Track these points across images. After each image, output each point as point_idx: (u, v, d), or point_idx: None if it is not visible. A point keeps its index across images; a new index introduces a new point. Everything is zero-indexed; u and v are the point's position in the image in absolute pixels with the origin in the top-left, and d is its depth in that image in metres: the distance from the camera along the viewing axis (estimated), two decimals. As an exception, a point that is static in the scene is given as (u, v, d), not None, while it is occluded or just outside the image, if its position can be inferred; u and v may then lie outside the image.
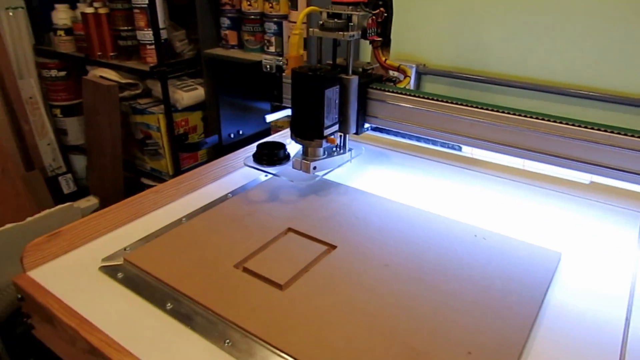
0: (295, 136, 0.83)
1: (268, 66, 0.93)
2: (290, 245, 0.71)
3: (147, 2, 1.61)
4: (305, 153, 0.85)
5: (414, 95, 0.84)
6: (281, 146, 0.86)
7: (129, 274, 0.66)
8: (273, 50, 1.47)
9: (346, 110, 0.85)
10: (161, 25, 1.62)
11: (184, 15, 1.74)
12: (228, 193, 0.87)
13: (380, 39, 0.86)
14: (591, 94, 1.04)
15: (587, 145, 0.72)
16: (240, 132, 1.05)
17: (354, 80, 0.83)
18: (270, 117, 1.10)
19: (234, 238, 0.72)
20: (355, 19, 0.81)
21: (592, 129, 0.71)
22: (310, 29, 0.84)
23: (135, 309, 0.60)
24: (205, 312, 0.59)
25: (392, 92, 0.86)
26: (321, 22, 0.83)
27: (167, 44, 1.71)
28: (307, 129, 0.81)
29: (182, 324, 0.57)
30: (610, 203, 0.85)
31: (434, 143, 0.94)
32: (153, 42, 1.62)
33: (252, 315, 0.58)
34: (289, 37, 1.41)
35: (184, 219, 0.79)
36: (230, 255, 0.68)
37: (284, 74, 0.95)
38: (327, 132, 0.82)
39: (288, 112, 1.16)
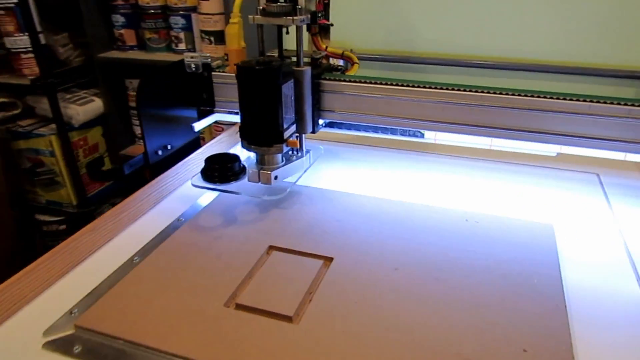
0: (249, 144, 0.72)
1: (193, 65, 0.80)
2: (281, 267, 0.61)
3: (15, 0, 1.35)
4: (261, 162, 0.74)
5: (375, 83, 0.77)
6: (235, 158, 0.74)
7: (89, 344, 0.51)
8: (183, 48, 1.31)
9: (301, 107, 0.75)
10: (37, 28, 1.37)
11: (62, 16, 1.49)
12: (179, 217, 0.73)
13: (330, 23, 0.78)
14: (525, 64, 1.06)
15: (554, 116, 0.71)
16: (169, 147, 0.91)
17: (307, 71, 0.74)
18: (198, 125, 0.97)
19: (210, 271, 0.60)
20: (302, 1, 0.72)
21: (558, 99, 0.70)
22: (250, 17, 0.73)
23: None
24: (208, 371, 0.47)
25: (349, 81, 0.78)
26: (261, 8, 0.72)
27: (48, 50, 1.46)
28: (264, 133, 0.70)
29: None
30: (577, 170, 0.86)
31: (393, 132, 0.88)
32: (30, 49, 1.38)
33: (268, 362, 0.47)
34: (200, 31, 1.27)
35: (136, 257, 0.64)
36: (214, 292, 0.56)
37: (218, 72, 0.83)
38: (286, 134, 0.72)
39: (217, 117, 1.04)
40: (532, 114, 0.71)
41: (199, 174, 0.73)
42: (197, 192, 0.80)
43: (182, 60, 0.81)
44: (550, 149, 0.80)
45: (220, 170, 0.72)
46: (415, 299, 0.55)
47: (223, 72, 0.83)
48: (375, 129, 0.88)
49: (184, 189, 0.83)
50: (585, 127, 0.70)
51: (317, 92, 0.78)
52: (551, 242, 0.66)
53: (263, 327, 0.51)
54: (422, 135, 0.87)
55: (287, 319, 0.52)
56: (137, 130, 1.47)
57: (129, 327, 0.51)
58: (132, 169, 0.91)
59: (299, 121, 0.76)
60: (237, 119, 1.03)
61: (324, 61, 0.86)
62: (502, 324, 0.51)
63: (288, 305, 0.54)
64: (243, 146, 0.73)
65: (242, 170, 0.73)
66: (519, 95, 0.70)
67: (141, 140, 1.47)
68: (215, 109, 0.85)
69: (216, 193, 0.78)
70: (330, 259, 0.62)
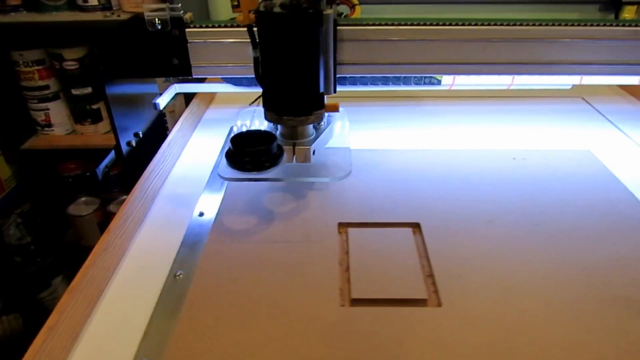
0: (279, 115, 0.57)
1: (157, 22, 0.62)
2: (369, 245, 0.52)
3: None
4: (290, 136, 0.61)
5: (400, 24, 0.65)
6: (270, 137, 0.57)
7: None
8: (96, 4, 1.05)
9: (327, 61, 0.62)
10: None
11: None
12: (198, 213, 0.59)
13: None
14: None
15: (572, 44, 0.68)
16: (140, 134, 0.73)
17: (331, 15, 0.60)
18: (162, 101, 0.80)
19: (289, 272, 0.49)
20: None
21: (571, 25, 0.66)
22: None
23: None
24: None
25: (372, 25, 0.65)
26: None
27: None
28: (302, 98, 0.57)
29: None
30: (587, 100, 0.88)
31: (406, 82, 0.80)
32: None
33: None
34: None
35: (178, 272, 0.50)
36: (317, 294, 0.46)
37: (194, 27, 0.65)
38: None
39: (178, 89, 0.87)
40: (551, 45, 0.68)
41: (223, 162, 0.57)
42: (197, 182, 0.66)
43: (137, 17, 0.62)
44: (566, 81, 0.80)
45: (256, 154, 0.56)
46: (527, 247, 0.51)
47: (201, 26, 0.66)
48: (386, 81, 0.79)
49: (181, 179, 0.68)
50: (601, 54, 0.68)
51: (334, 41, 0.66)
52: (601, 166, 0.65)
53: (399, 317, 0.43)
54: (439, 82, 0.80)
55: (422, 302, 0.44)
56: (39, 117, 1.17)
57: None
58: (106, 171, 0.72)
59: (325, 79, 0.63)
60: (219, 88, 0.86)
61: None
62: (623, 253, 0.49)
63: (415, 287, 0.46)
64: (269, 119, 0.59)
65: (281, 151, 0.58)
66: (534, 25, 0.66)
67: (46, 129, 1.20)
68: (193, 76, 0.68)
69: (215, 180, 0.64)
70: (417, 225, 0.54)
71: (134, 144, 0.70)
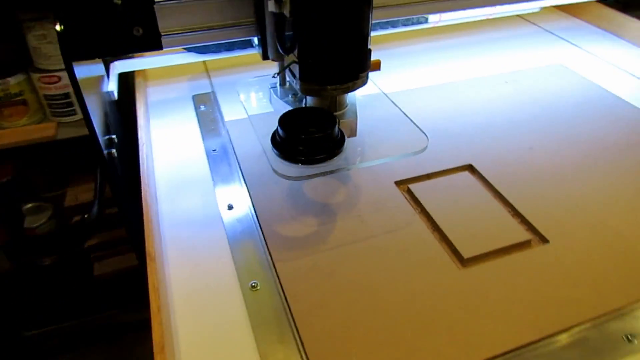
0: (322, 84, 0.45)
1: None
2: (439, 198, 0.49)
3: None
4: (329, 109, 0.49)
5: None
6: (329, 116, 0.46)
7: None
8: None
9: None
10: None
11: None
12: (227, 206, 0.49)
13: None
14: None
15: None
16: (115, 139, 0.58)
17: None
18: (112, 85, 0.64)
19: (381, 249, 0.44)
20: None
21: None
22: None
23: None
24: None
25: None
26: None
27: None
28: (350, 61, 0.44)
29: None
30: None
31: (394, 25, 0.75)
32: None
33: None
34: None
35: (254, 283, 0.41)
36: (427, 266, 0.42)
37: None
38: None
39: (119, 67, 0.70)
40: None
41: (274, 153, 0.45)
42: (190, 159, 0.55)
43: None
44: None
45: (324, 140, 0.44)
46: (578, 164, 0.53)
47: None
48: (374, 26, 0.71)
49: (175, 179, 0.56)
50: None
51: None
52: (579, 77, 0.70)
53: (514, 264, 0.42)
54: (427, 21, 0.75)
55: (526, 244, 0.44)
56: None
57: None
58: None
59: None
60: (175, 60, 0.70)
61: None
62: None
63: (515, 231, 0.45)
64: (306, 92, 0.47)
65: (342, 135, 0.47)
66: None
67: None
68: (164, 48, 0.53)
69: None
70: (470, 166, 0.52)
71: (115, 141, 0.55)
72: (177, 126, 0.64)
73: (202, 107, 0.67)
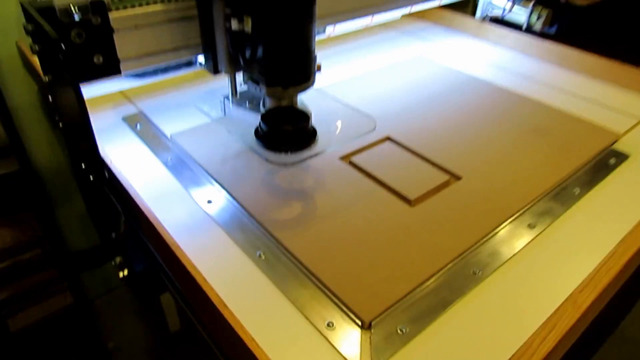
0: (286, 86, 0.55)
1: (74, 10, 0.50)
2: (377, 163, 0.63)
3: None
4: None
5: None
6: (305, 114, 0.57)
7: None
8: None
9: None
10: None
11: None
12: (206, 201, 0.57)
13: None
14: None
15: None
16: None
17: None
18: None
19: (357, 211, 0.57)
20: None
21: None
22: None
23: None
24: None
25: None
26: None
27: None
28: (304, 63, 0.55)
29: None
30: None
31: None
32: None
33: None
34: None
35: (258, 252, 0.50)
36: (386, 207, 0.55)
37: (119, 11, 0.54)
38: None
39: None
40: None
41: (260, 146, 0.55)
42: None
43: (50, 8, 0.49)
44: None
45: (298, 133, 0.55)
46: (473, 123, 0.71)
47: (126, 7, 0.55)
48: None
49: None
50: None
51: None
52: (443, 66, 0.90)
53: (444, 198, 0.58)
54: (324, 31, 0.87)
55: (446, 183, 0.60)
56: None
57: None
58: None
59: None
60: (111, 87, 0.71)
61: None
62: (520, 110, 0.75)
63: (438, 175, 0.61)
64: (272, 95, 0.56)
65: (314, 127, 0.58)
66: None
67: None
68: (122, 73, 0.56)
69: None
70: (388, 138, 0.67)
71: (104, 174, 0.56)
72: (122, 147, 0.68)
73: (138, 126, 0.71)
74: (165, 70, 0.76)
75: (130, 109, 0.76)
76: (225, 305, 0.43)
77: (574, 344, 0.50)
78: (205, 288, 0.45)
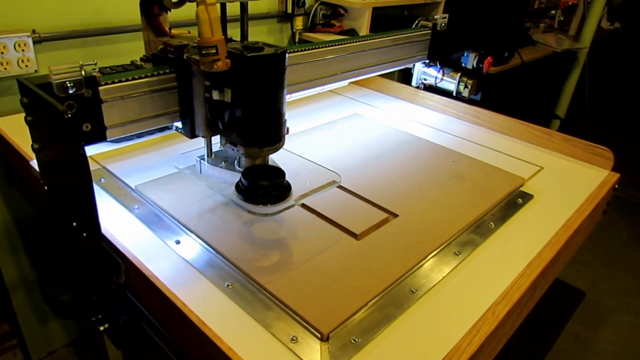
0: (261, 146, 0.65)
1: (69, 85, 0.54)
2: (324, 205, 0.72)
3: None
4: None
5: (305, 50, 0.84)
6: (280, 170, 0.65)
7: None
8: None
9: None
10: None
11: None
12: (175, 241, 0.63)
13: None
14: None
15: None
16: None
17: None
18: None
19: (315, 243, 0.64)
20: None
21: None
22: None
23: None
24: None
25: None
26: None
27: None
28: (278, 126, 0.65)
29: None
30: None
31: None
32: None
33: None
34: None
35: (227, 283, 0.56)
36: (336, 240, 0.64)
37: (107, 85, 0.59)
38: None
39: None
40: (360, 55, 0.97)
41: (240, 199, 0.62)
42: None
43: (47, 83, 0.53)
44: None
45: (273, 188, 0.62)
46: (402, 171, 0.82)
47: (114, 82, 0.60)
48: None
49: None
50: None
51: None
52: (373, 121, 1.02)
53: (385, 233, 0.67)
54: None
55: (385, 220, 0.69)
56: None
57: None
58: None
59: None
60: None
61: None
62: (441, 160, 0.87)
63: (378, 214, 0.71)
64: (249, 155, 0.66)
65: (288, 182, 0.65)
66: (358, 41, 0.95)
67: None
68: (107, 139, 0.61)
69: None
70: (334, 182, 0.76)
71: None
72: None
73: (102, 180, 0.77)
74: (139, 135, 0.83)
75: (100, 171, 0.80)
76: (210, 329, 0.49)
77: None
78: (196, 322, 0.50)
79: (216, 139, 0.68)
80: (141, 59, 0.70)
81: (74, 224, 0.53)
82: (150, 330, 0.62)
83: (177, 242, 0.63)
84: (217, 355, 0.47)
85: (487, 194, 0.79)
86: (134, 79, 0.62)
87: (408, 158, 0.89)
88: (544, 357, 1.44)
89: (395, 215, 0.71)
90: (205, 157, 0.70)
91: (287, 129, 0.68)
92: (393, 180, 0.81)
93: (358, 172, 0.83)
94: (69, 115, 0.47)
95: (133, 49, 1.15)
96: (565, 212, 0.78)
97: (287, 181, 0.64)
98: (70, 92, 0.55)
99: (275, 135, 0.65)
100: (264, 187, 0.62)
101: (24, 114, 0.52)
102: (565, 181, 0.89)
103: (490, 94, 1.70)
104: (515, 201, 0.79)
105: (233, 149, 0.66)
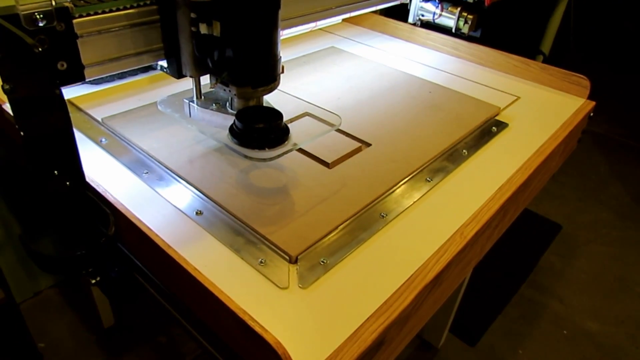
0: (255, 86, 0.59)
1: (38, 17, 0.48)
2: (301, 134, 0.71)
3: None
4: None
5: None
6: (277, 111, 0.60)
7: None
8: None
9: None
10: None
11: None
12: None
13: None
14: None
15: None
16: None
17: None
18: None
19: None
20: None
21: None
22: None
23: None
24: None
25: None
26: None
27: None
28: (271, 65, 0.59)
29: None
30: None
31: None
32: None
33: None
34: None
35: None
36: (310, 167, 0.63)
37: (81, 17, 0.52)
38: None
39: None
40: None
41: (235, 143, 0.58)
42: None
43: (14, 15, 0.47)
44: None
45: (271, 131, 0.58)
46: (381, 98, 0.81)
47: (90, 14, 0.54)
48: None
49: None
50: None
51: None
52: (356, 55, 1.00)
53: (356, 161, 0.67)
54: None
55: (358, 149, 0.69)
56: None
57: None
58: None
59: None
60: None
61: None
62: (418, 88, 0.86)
63: (351, 143, 0.70)
64: (242, 96, 0.60)
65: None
66: None
67: None
68: (87, 80, 0.56)
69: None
70: (307, 113, 0.75)
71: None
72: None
73: (102, 140, 0.70)
74: (121, 76, 0.79)
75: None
76: (187, 262, 0.49)
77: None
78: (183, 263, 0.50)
79: (205, 79, 0.63)
80: (118, -12, 0.62)
81: (55, 172, 0.50)
82: (144, 281, 0.60)
83: (146, 173, 0.63)
84: (183, 275, 0.48)
85: (462, 123, 0.78)
86: (111, 10, 0.55)
87: (383, 89, 0.88)
88: (519, 287, 1.50)
89: (369, 145, 0.71)
90: (194, 99, 0.65)
91: (282, 67, 0.63)
92: (367, 111, 0.80)
93: (332, 103, 0.82)
94: (40, 50, 0.43)
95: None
96: (539, 139, 0.78)
97: (285, 123, 0.60)
98: (40, 24, 0.48)
99: (270, 74, 0.60)
100: (261, 130, 0.58)
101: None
102: (541, 110, 0.88)
103: (492, 31, 1.64)
104: (489, 129, 0.79)
105: (224, 90, 0.61)
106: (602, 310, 1.46)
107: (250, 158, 0.59)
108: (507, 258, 1.61)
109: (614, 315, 1.44)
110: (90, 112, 0.75)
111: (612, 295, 1.51)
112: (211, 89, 0.64)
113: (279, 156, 0.59)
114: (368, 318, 0.47)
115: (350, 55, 1.02)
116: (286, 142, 0.59)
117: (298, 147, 0.66)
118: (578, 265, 1.61)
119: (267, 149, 0.58)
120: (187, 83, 0.64)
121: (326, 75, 0.92)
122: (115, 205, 0.54)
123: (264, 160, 0.61)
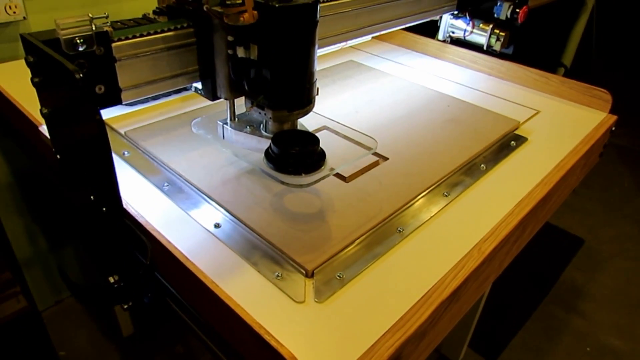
0: (290, 109, 0.58)
1: (78, 41, 0.48)
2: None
3: None
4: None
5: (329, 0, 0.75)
6: (314, 136, 0.59)
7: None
8: None
9: None
10: None
11: None
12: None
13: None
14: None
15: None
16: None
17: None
18: None
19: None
20: None
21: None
22: None
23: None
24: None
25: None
26: None
27: None
28: (306, 90, 0.58)
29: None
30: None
31: None
32: None
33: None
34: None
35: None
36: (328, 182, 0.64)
37: (120, 41, 0.52)
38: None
39: None
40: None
41: (271, 168, 0.56)
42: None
43: (55, 39, 0.46)
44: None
45: (308, 155, 0.56)
46: (401, 116, 0.81)
47: (128, 38, 0.53)
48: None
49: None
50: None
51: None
52: (368, 67, 1.00)
53: (373, 176, 0.68)
54: None
55: (375, 163, 0.69)
56: None
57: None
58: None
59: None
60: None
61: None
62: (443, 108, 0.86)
63: (370, 157, 0.71)
64: (278, 120, 0.59)
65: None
66: None
67: None
68: (123, 102, 0.56)
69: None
70: (323, 127, 0.76)
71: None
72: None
73: (125, 153, 0.72)
74: (155, 97, 0.77)
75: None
76: (213, 282, 0.50)
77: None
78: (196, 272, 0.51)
79: (239, 101, 0.63)
80: (154, 12, 0.61)
81: (91, 197, 0.49)
82: (176, 306, 0.60)
83: (165, 185, 0.64)
84: (200, 287, 0.49)
85: (480, 137, 0.78)
86: (149, 34, 0.55)
87: (401, 103, 0.88)
88: (540, 302, 1.48)
89: (386, 159, 0.71)
90: (228, 121, 0.65)
91: (317, 89, 0.62)
92: (385, 125, 0.80)
93: (350, 117, 0.82)
94: (81, 76, 0.42)
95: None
96: (559, 154, 0.77)
97: (321, 148, 0.59)
98: (80, 49, 0.48)
99: (306, 97, 0.59)
100: (297, 155, 0.56)
101: (11, 62, 0.50)
102: (561, 124, 0.87)
103: (523, 47, 1.61)
104: (508, 144, 0.79)
105: (259, 112, 0.61)
106: (627, 326, 1.42)
107: (287, 184, 0.59)
108: (528, 272, 1.59)
109: (639, 332, 1.40)
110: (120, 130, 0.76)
111: (636, 311, 1.47)
112: (245, 112, 0.64)
113: (316, 182, 0.59)
114: (384, 333, 0.47)
115: (368, 69, 1.03)
116: (322, 167, 0.58)
117: (335, 172, 0.64)
118: (601, 280, 1.58)
119: (303, 175, 0.57)
120: (218, 104, 0.64)
121: (344, 89, 0.93)
122: (147, 227, 0.54)
123: (301, 186, 0.60)
